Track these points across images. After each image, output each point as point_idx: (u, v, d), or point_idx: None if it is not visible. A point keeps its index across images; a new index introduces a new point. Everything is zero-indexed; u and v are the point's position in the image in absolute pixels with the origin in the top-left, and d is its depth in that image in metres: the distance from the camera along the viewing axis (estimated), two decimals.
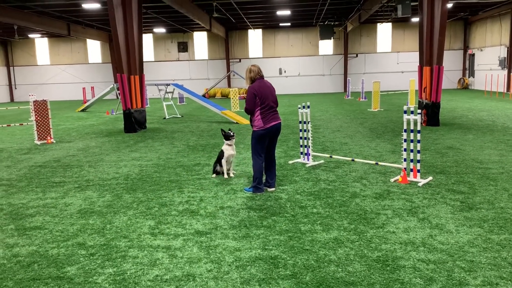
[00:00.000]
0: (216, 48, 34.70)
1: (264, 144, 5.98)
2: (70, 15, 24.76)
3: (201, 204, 5.66)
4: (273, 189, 6.21)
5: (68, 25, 26.95)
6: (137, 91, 13.47)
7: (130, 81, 13.24)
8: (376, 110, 17.92)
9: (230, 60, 34.49)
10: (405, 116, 6.43)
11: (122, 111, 13.73)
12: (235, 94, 20.16)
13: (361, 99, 23.45)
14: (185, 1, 20.06)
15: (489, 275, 3.48)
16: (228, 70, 33.87)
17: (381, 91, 29.26)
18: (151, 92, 30.15)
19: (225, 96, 32.01)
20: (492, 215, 4.88)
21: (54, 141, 11.87)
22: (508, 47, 26.55)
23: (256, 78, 5.98)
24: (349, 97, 26.18)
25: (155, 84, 18.87)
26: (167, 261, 3.93)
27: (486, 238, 4.24)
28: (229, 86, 34.45)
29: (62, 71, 35.46)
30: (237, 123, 15.00)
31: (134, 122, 13.40)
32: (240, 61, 34.39)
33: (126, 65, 13.04)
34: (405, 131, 6.50)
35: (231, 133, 6.92)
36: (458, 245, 4.10)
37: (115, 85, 20.72)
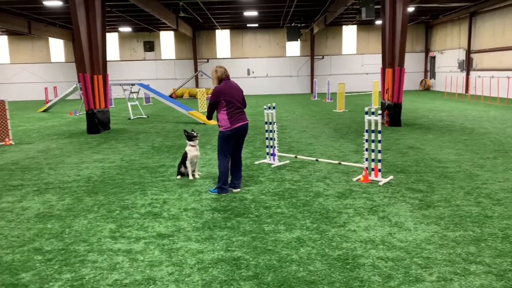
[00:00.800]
0: (183, 48, 34.39)
1: (231, 144, 5.97)
2: (31, 13, 23.93)
3: (164, 207, 5.58)
4: (238, 190, 6.21)
5: (29, 22, 26.04)
6: (100, 91, 13.16)
7: (93, 81, 12.92)
8: (341, 111, 18.23)
9: (198, 60, 34.26)
10: (367, 117, 6.58)
11: (85, 112, 13.39)
12: (202, 94, 20.03)
13: (327, 100, 23.80)
14: (150, 0, 19.76)
15: (444, 271, 3.61)
16: (196, 70, 33.63)
17: (346, 93, 29.83)
18: (116, 92, 29.55)
19: (193, 97, 31.77)
20: (448, 213, 5.06)
21: (13, 143, 11.44)
22: (466, 50, 27.61)
23: (223, 78, 5.96)
24: (316, 98, 26.53)
25: (119, 84, 18.49)
26: (127, 265, 3.86)
27: (442, 235, 4.39)
28: (197, 86, 34.22)
29: (22, 70, 34.20)
30: (204, 123, 14.91)
31: (97, 123, 13.09)
32: (208, 61, 34.22)
33: (88, 65, 12.72)
34: (367, 131, 6.65)
35: (194, 134, 6.87)
36: (416, 242, 4.23)
37: (78, 85, 20.17)
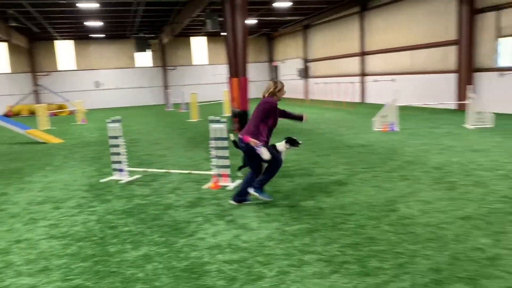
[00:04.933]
0: (19, 61, 30.81)
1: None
2: None
3: None
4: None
5: None
6: None
7: None
8: (195, 120, 18.43)
9: (37, 74, 31.07)
10: (212, 126, 6.75)
11: None
12: (43, 111, 18.21)
13: (182, 110, 23.83)
14: None
15: (282, 265, 3.88)
16: (36, 84, 30.43)
17: (201, 102, 30.27)
18: None
19: (33, 113, 28.62)
20: (288, 209, 5.47)
21: None
22: (304, 59, 30.54)
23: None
24: (170, 109, 26.36)
25: None
26: None
27: (282, 231, 4.72)
28: (38, 102, 30.96)
29: None
30: (45, 142, 13.55)
31: None
32: (49, 74, 31.27)
33: None
34: (214, 139, 6.82)
35: (300, 142, 6.43)
36: (259, 241, 4.46)
37: None
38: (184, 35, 32.60)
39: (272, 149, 5.75)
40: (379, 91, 22.46)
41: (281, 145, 6.24)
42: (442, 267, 3.70)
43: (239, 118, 13.28)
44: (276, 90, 5.72)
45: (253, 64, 35.11)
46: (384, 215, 5.10)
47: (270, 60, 36.51)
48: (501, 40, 15.61)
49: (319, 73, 29.01)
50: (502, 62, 15.72)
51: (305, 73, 30.52)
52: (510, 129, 11.36)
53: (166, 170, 8.00)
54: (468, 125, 12.02)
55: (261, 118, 5.57)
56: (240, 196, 5.79)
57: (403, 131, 11.95)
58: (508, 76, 15.33)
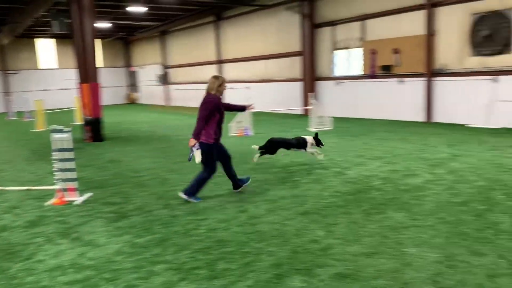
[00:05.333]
0: None
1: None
2: None
3: None
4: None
5: None
6: None
7: None
8: (41, 130, 16.75)
9: None
10: (53, 136, 6.22)
11: None
12: None
13: (26, 119, 21.44)
14: None
15: (130, 279, 3.77)
16: None
17: (49, 110, 27.64)
18: None
19: None
20: (140, 220, 5.34)
21: None
22: (163, 65, 30.17)
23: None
24: (13, 118, 23.52)
25: None
26: None
27: (133, 243, 4.59)
28: None
29: None
30: None
31: None
32: None
33: None
34: (57, 150, 6.29)
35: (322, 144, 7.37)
36: (107, 257, 4.26)
37: None
38: (28, 36, 29.39)
39: (211, 157, 5.90)
40: (235, 98, 23.34)
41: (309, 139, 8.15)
42: (283, 262, 4.02)
43: (91, 126, 12.50)
44: (217, 85, 5.86)
45: (109, 69, 33.41)
46: (234, 216, 5.33)
47: (128, 65, 35.17)
48: (336, 52, 17.67)
49: (179, 80, 28.97)
50: (338, 72, 17.82)
51: (164, 80, 30.15)
52: (345, 131, 12.91)
53: (1, 188, 7.10)
54: (312, 128, 13.29)
55: (206, 117, 5.73)
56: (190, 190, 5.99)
57: (257, 135, 12.64)
58: (343, 84, 17.41)
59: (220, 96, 5.95)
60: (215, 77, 5.94)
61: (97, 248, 4.49)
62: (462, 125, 13.25)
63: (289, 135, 12.50)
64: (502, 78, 12.51)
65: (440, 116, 14.33)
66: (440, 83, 14.24)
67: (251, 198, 6.11)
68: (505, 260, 3.88)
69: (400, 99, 15.36)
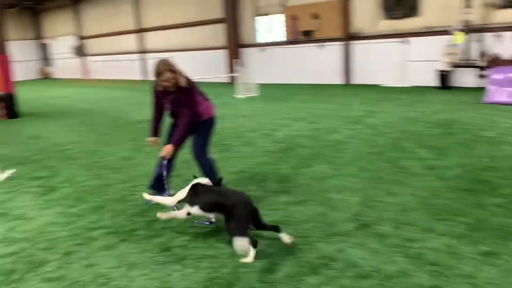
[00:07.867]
0: None
1: None
2: None
3: None
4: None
5: None
6: None
7: None
8: None
9: None
10: None
11: None
12: None
13: None
14: None
15: (68, 245, 3.77)
16: None
17: None
18: None
19: None
20: (71, 191, 5.24)
21: None
22: (79, 36, 28.35)
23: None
24: None
25: None
26: None
27: (66, 213, 4.53)
28: None
29: None
30: None
31: None
32: None
33: None
34: None
35: None
36: (39, 228, 4.18)
37: None
38: None
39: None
40: None
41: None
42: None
43: (5, 102, 11.64)
44: (156, 75, 4.53)
45: (17, 42, 30.68)
46: None
47: (38, 37, 32.54)
48: (258, 18, 17.81)
49: (97, 51, 27.48)
50: (261, 39, 18.03)
51: (80, 51, 28.44)
52: (271, 96, 13.28)
53: None
54: (238, 95, 13.48)
55: (195, 102, 4.88)
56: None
57: None
58: (266, 51, 17.69)
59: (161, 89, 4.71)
60: (157, 63, 4.78)
61: (28, 222, 4.38)
62: (377, 85, 14.21)
63: (216, 102, 12.61)
64: (412, 39, 13.51)
65: (358, 78, 15.21)
66: (356, 46, 15.03)
67: (182, 163, 6.20)
68: (415, 197, 4.42)
69: (321, 63, 16.00)
